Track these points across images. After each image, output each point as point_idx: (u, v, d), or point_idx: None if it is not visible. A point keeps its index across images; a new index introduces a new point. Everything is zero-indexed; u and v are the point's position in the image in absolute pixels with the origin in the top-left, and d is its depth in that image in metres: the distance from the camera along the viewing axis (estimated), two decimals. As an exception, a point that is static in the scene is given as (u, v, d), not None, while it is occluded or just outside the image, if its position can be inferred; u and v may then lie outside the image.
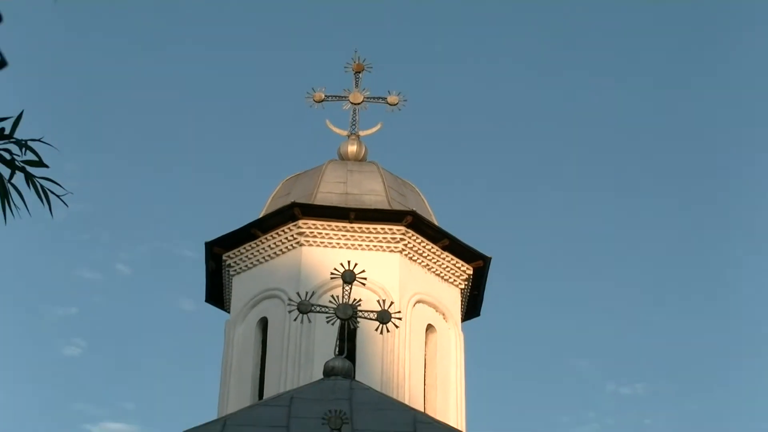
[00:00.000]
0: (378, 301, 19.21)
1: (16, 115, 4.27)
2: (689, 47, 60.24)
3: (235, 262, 25.21)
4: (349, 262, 20.05)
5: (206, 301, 26.80)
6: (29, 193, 4.48)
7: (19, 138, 4.34)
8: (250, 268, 25.23)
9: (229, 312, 25.64)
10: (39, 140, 4.43)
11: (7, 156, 4.32)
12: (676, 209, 64.66)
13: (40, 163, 4.43)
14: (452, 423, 22.85)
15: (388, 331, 19.40)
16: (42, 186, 4.50)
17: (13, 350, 64.43)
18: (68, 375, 60.27)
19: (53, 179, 4.58)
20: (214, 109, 59.57)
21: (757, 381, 62.21)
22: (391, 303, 19.73)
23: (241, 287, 25.42)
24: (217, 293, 26.30)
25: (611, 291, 64.64)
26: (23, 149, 4.41)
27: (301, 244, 24.35)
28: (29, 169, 4.45)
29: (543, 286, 62.80)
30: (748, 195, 61.18)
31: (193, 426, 18.02)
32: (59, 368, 59.96)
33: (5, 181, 4.36)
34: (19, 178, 4.41)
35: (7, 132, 4.26)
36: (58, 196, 4.61)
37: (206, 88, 57.95)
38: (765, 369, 64.50)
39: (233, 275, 25.55)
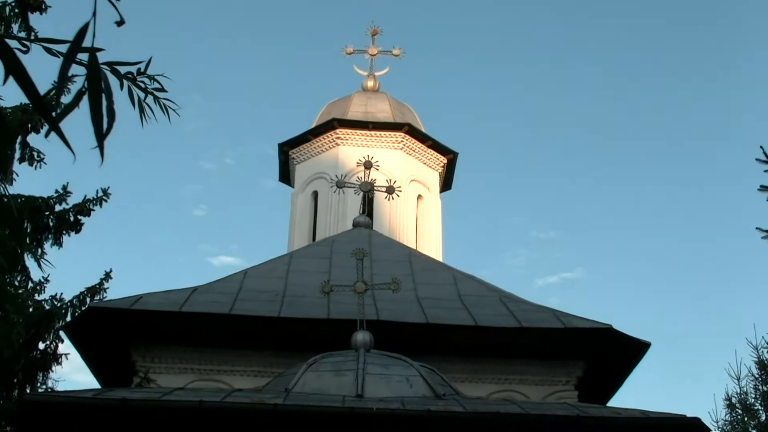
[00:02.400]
0: (386, 180, 20.70)
1: (146, 60, 4.48)
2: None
3: (297, 155, 28.15)
4: (368, 155, 24.09)
5: (279, 180, 29.79)
6: (157, 111, 4.74)
7: (150, 74, 4.65)
8: (306, 159, 28.02)
9: (293, 187, 28.51)
10: (162, 75, 4.73)
11: (142, 85, 4.59)
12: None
13: (162, 89, 4.80)
14: (436, 258, 24.98)
15: (392, 199, 21.32)
16: (164, 105, 4.90)
17: (160, 214, 73.91)
18: (196, 228, 70.14)
19: (171, 100, 4.93)
20: (286, 61, 69.69)
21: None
22: (394, 181, 21.06)
23: (301, 172, 28.06)
24: (286, 176, 29.26)
25: (538, 170, 71.67)
26: (152, 80, 4.74)
27: (338, 144, 27.29)
28: (157, 94, 4.82)
29: (493, 169, 71.45)
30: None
31: (272, 258, 21.46)
32: (191, 223, 69.65)
33: (142, 101, 4.63)
34: (148, 99, 4.67)
35: (142, 70, 4.50)
36: (175, 111, 5.03)
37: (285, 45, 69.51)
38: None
39: (296, 164, 28.20)
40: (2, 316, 11.65)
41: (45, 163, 17.12)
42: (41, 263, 16.19)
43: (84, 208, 17.67)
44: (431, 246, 27.06)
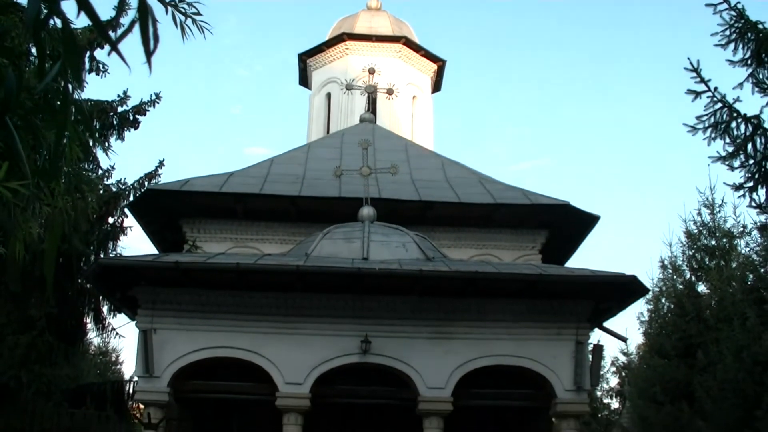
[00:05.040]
0: (387, 83, 21.54)
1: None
2: None
3: (313, 63, 27.65)
4: (372, 64, 24.39)
5: (299, 84, 29.25)
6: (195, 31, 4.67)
7: (188, 1, 4.66)
8: (321, 67, 27.49)
9: (311, 90, 28.03)
10: (198, 1, 4.73)
11: (182, 10, 4.56)
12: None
13: (198, 13, 4.73)
14: (428, 148, 24.57)
15: (392, 99, 22.37)
16: (200, 26, 4.81)
17: (204, 113, 73.82)
18: (233, 123, 70.11)
19: (206, 21, 4.86)
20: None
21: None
22: (393, 84, 21.87)
23: (316, 77, 27.59)
24: (304, 81, 28.75)
25: (514, 74, 70.76)
26: (190, 6, 4.69)
27: (347, 54, 26.75)
28: (194, 17, 4.72)
29: (477, 74, 69.98)
30: None
31: (294, 148, 21.50)
32: (229, 120, 69.82)
33: (183, 23, 4.57)
34: (187, 22, 4.59)
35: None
36: (209, 30, 4.95)
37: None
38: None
39: (312, 71, 27.72)
40: (80, 197, 11.75)
41: (108, 73, 17.14)
42: (108, 153, 16.37)
43: (141, 109, 17.81)
44: (424, 137, 26.84)
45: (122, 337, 43.24)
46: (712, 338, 26.40)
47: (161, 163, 18.19)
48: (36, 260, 14.73)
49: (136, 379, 14.94)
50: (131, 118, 17.62)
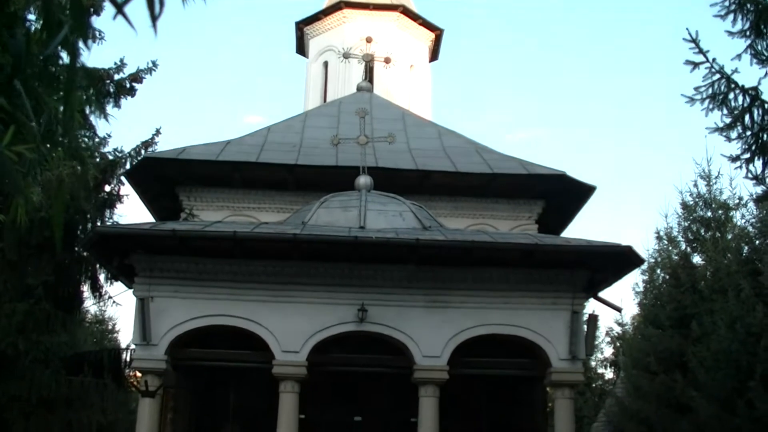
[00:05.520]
0: (384, 52, 22.15)
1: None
2: None
3: (311, 31, 27.52)
4: (369, 32, 24.37)
5: (296, 53, 29.01)
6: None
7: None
8: (318, 35, 27.37)
9: (308, 58, 27.96)
10: None
11: None
12: None
13: None
14: (425, 117, 24.57)
15: (389, 67, 22.78)
16: None
17: (201, 81, 72.74)
18: (230, 92, 68.63)
19: None
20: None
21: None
22: (391, 53, 22.44)
23: (314, 45, 27.45)
24: (301, 49, 28.56)
25: (509, 43, 70.33)
26: None
27: (345, 22, 26.64)
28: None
29: (474, 43, 69.58)
30: None
31: (291, 116, 21.21)
32: (226, 88, 68.52)
33: None
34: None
35: None
36: None
37: None
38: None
39: (310, 39, 27.62)
40: (79, 164, 11.76)
41: (104, 41, 17.04)
42: (108, 119, 16.38)
43: (137, 76, 17.74)
44: (421, 107, 26.77)
45: (119, 305, 43.07)
46: (706, 309, 26.60)
47: (158, 132, 18.17)
48: (34, 227, 14.79)
49: (133, 347, 15.05)
50: (128, 85, 17.55)
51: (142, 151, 17.67)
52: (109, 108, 17.34)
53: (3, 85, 3.09)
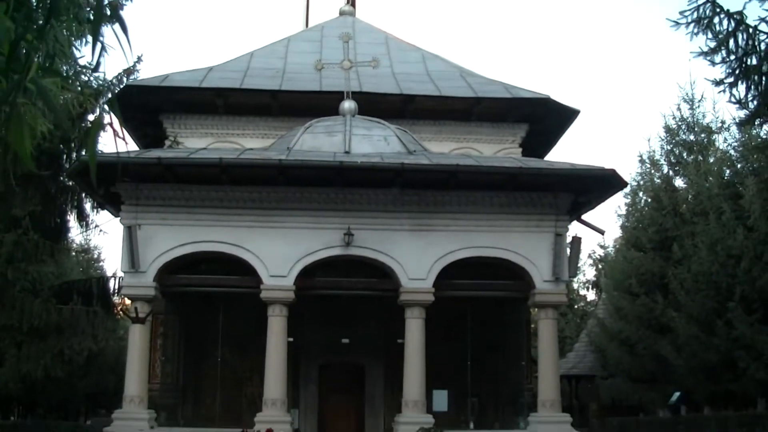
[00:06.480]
0: None
1: None
2: None
3: None
4: None
5: None
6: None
7: None
8: None
9: None
10: None
11: None
12: None
13: None
14: (407, 40, 23.25)
15: None
16: None
17: (181, 5, 70.84)
18: (211, 16, 66.21)
19: None
20: None
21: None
22: None
23: None
24: None
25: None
26: None
27: None
28: None
29: None
30: None
31: (273, 41, 20.82)
32: (206, 13, 66.11)
33: None
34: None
35: None
36: None
37: None
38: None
39: None
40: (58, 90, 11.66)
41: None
42: (98, 44, 16.11)
43: (117, 2, 17.41)
44: (405, 30, 26.57)
45: (105, 233, 43.20)
46: (687, 232, 27.00)
47: (139, 59, 17.96)
48: (17, 158, 14.74)
49: (121, 275, 15.20)
50: (107, 12, 17.29)
51: (124, 79, 17.51)
52: (88, 36, 17.12)
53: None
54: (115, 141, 15.69)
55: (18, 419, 30.25)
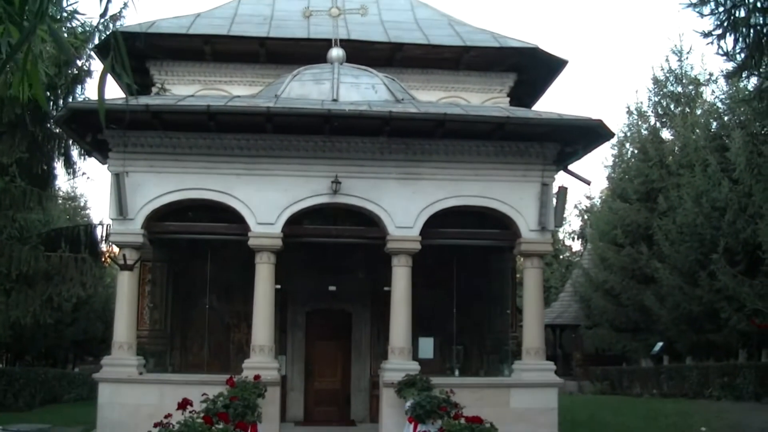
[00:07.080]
0: None
1: None
2: None
3: None
4: None
5: None
6: None
7: None
8: None
9: None
10: None
11: None
12: None
13: None
14: None
15: None
16: None
17: None
18: None
19: None
20: None
21: None
22: None
23: None
24: None
25: None
26: None
27: None
28: None
29: None
30: None
31: None
32: None
33: None
34: None
35: None
36: None
37: None
38: None
39: None
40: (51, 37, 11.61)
41: None
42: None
43: (102, -55, 17.27)
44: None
45: (92, 180, 43.02)
46: (673, 183, 27.36)
47: (125, 5, 17.85)
48: (4, 105, 14.69)
49: (108, 222, 15.24)
50: (92, -44, 17.13)
51: (111, 26, 17.40)
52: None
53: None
54: (117, 82, 15.25)
55: (6, 366, 30.49)
